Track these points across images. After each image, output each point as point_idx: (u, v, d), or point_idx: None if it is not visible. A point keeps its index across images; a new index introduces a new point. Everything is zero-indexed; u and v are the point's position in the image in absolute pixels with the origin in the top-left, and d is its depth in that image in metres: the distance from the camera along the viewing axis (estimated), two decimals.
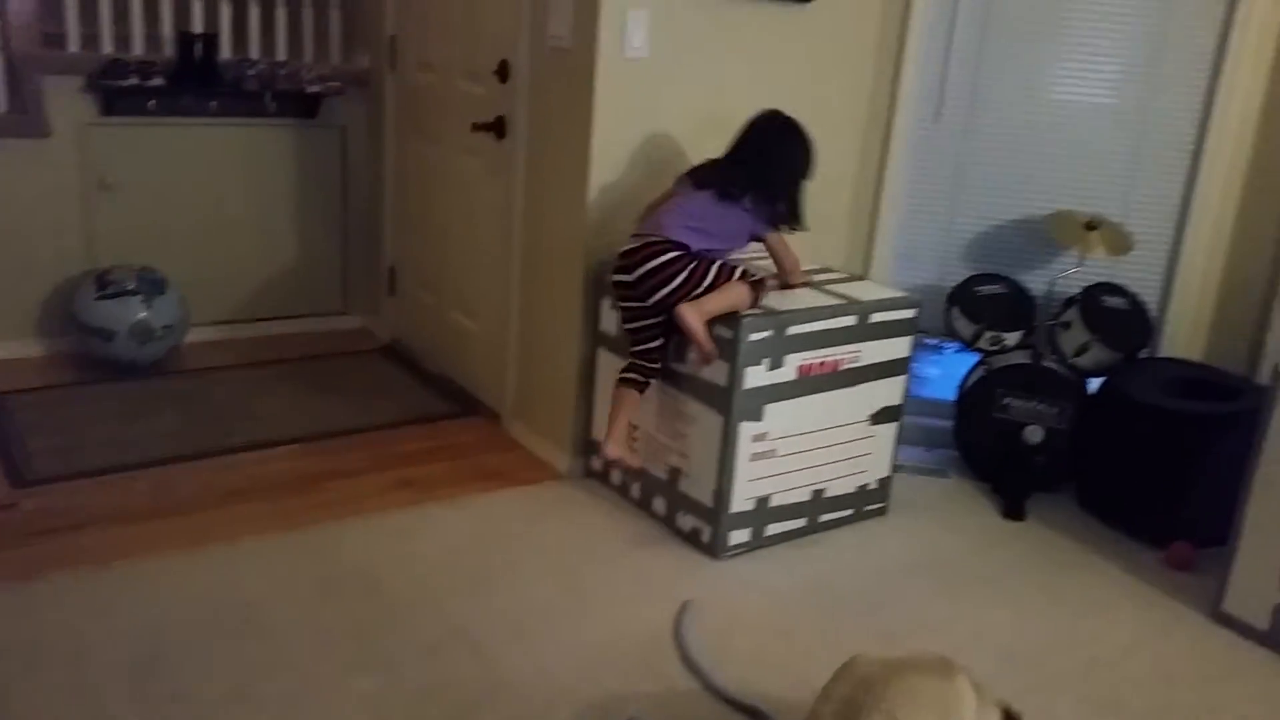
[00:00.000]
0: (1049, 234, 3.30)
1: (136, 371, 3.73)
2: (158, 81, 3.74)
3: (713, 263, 2.70)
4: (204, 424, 3.37)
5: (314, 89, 4.04)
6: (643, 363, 2.83)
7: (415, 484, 3.06)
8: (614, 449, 2.87)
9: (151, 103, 3.80)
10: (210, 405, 3.53)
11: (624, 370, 2.85)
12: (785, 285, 2.93)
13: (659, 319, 2.76)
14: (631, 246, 2.75)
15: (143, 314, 3.67)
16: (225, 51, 3.95)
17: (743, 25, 3.08)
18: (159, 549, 2.59)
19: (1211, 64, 3.22)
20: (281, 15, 4.06)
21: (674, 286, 2.68)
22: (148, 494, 2.88)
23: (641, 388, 2.84)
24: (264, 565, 2.56)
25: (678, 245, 2.70)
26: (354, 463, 3.17)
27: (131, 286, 3.68)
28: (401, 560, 2.64)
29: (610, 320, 3.02)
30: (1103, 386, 3.24)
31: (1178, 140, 3.30)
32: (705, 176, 2.79)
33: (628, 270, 2.75)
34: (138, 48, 3.80)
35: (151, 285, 3.73)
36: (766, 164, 2.79)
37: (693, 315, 2.64)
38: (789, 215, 2.82)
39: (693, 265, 2.68)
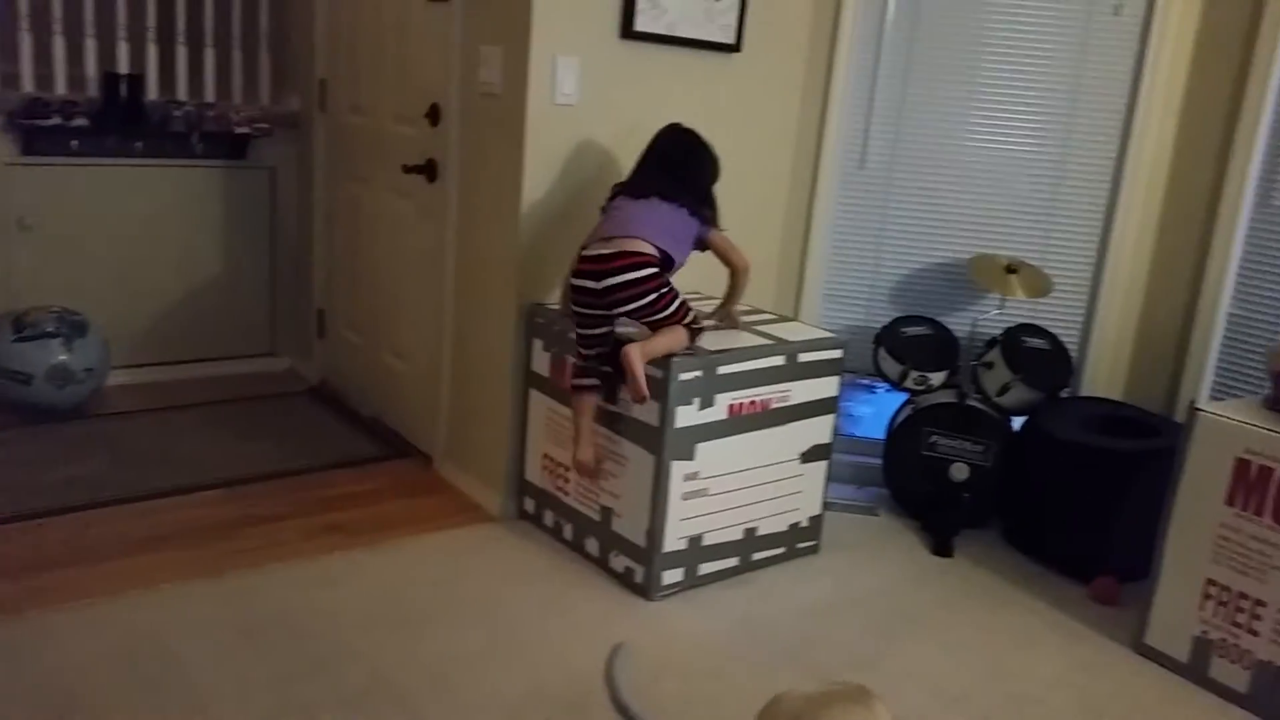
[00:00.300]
0: (970, 277, 3.38)
1: (55, 416, 3.63)
2: (81, 121, 3.69)
3: (676, 296, 2.68)
4: (125, 469, 3.28)
5: (242, 130, 4.01)
6: (596, 365, 2.78)
7: (342, 528, 3.01)
8: (586, 451, 2.82)
9: (74, 143, 3.75)
10: (132, 450, 3.44)
11: (577, 376, 2.80)
12: (722, 321, 2.95)
13: (613, 327, 2.74)
14: (602, 252, 2.65)
15: (62, 357, 3.58)
16: (152, 93, 3.91)
17: (673, 73, 3.13)
18: (74, 597, 2.51)
19: (1124, 114, 3.34)
20: (210, 57, 4.03)
21: (641, 305, 2.64)
22: (64, 541, 2.80)
23: (599, 390, 2.79)
24: (183, 613, 2.49)
25: (650, 258, 2.64)
26: (279, 507, 3.11)
27: (51, 329, 3.59)
28: (325, 607, 2.58)
29: (542, 361, 3.02)
30: (1025, 425, 3.31)
31: (1093, 187, 3.41)
32: (642, 186, 2.79)
33: (595, 277, 2.65)
34: (60, 87, 3.75)
35: (72, 327, 3.65)
36: (688, 169, 2.83)
37: (637, 356, 2.60)
38: (715, 215, 2.86)
39: (663, 291, 2.65)
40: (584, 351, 2.79)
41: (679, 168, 2.82)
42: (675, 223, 2.75)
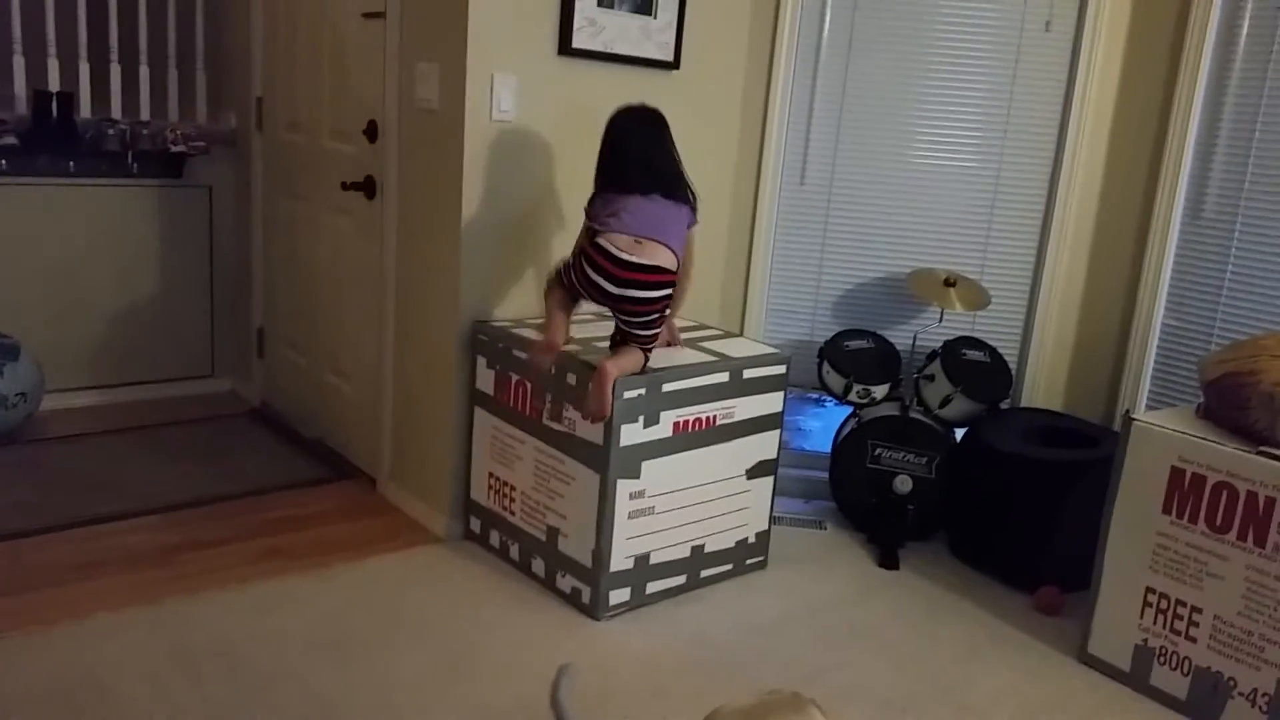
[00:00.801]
0: (910, 290, 3.41)
1: None
2: (9, 140, 3.60)
3: (664, 319, 2.69)
4: (59, 495, 3.20)
5: (178, 149, 3.94)
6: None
7: (283, 553, 2.96)
8: (557, 335, 2.70)
9: (3, 162, 3.66)
10: (67, 475, 3.36)
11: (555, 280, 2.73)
12: (669, 342, 2.94)
13: None
14: (633, 260, 2.55)
15: None
16: (85, 111, 3.83)
17: (612, 89, 3.13)
18: (5, 628, 2.43)
19: (1056, 130, 3.40)
20: (144, 75, 3.96)
21: (643, 320, 2.63)
22: None
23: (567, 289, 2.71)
24: (118, 642, 2.43)
25: (672, 276, 2.61)
26: (218, 532, 3.05)
27: None
28: (265, 634, 2.53)
29: (487, 378, 2.99)
30: (966, 436, 3.34)
31: (1029, 201, 3.47)
32: (640, 182, 2.64)
33: (616, 282, 2.56)
34: None
35: (4, 351, 3.55)
36: (668, 159, 2.73)
37: (614, 375, 2.58)
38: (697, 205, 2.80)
39: (664, 313, 2.67)
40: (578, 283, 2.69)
41: (661, 158, 2.71)
42: (680, 222, 2.70)
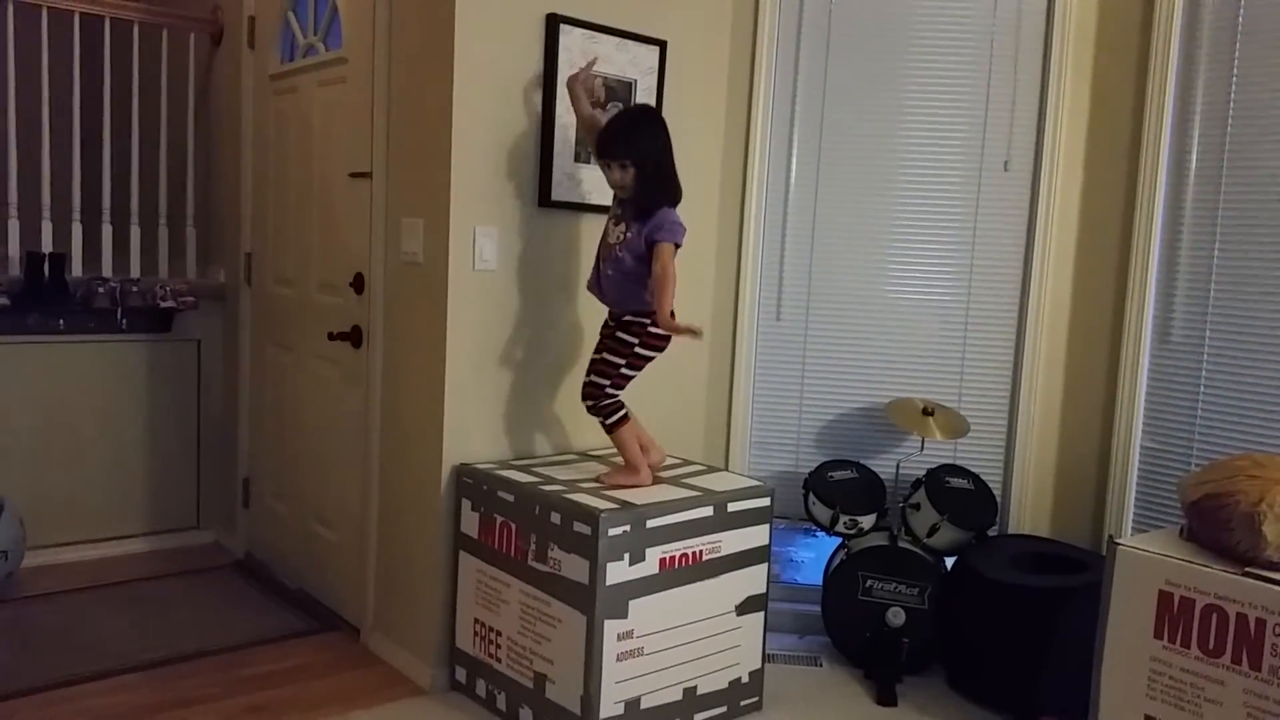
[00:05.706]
0: (889, 420, 3.45)
1: None
2: (2, 301, 3.66)
3: None
4: (37, 656, 3.13)
5: (167, 304, 4.01)
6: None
7: (265, 710, 2.88)
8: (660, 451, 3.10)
9: None
10: (43, 635, 3.29)
11: (620, 408, 2.94)
12: None
13: None
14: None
15: None
16: (76, 270, 3.92)
17: (590, 236, 3.20)
18: None
19: (1021, 261, 3.50)
20: (135, 234, 4.06)
21: None
22: None
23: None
24: None
25: None
26: (198, 690, 2.98)
27: None
28: None
29: (471, 522, 2.99)
30: (955, 565, 3.33)
31: (999, 332, 3.53)
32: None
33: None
34: None
35: None
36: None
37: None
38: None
39: None
40: (619, 389, 2.96)
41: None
42: None
